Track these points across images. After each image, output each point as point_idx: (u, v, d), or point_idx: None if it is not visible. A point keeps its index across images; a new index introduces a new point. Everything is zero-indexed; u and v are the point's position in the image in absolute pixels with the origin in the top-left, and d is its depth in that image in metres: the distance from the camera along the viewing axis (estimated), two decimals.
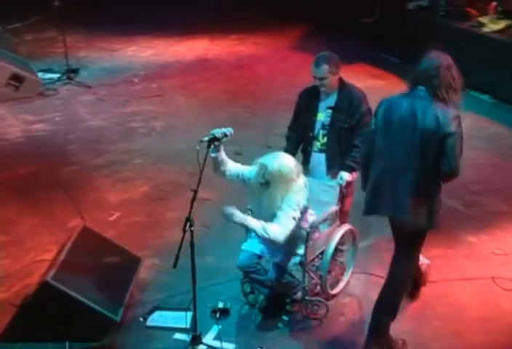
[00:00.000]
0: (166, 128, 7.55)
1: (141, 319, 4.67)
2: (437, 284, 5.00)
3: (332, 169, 4.84)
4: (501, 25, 8.30)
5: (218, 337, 4.51)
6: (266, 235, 4.19)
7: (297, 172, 4.32)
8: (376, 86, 7.79)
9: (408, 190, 4.05)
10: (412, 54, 8.69)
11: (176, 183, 6.43)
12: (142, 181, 6.48)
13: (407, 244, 4.24)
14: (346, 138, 4.78)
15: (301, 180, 4.35)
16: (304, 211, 4.38)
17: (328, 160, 4.86)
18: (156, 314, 4.72)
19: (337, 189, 4.74)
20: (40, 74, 8.56)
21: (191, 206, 4.06)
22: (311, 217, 4.53)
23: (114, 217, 5.91)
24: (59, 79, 8.60)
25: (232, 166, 4.48)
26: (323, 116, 4.82)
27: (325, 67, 4.67)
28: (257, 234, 4.25)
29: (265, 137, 6.91)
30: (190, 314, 4.61)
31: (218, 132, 4.24)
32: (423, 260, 4.80)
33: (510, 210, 5.94)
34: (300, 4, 10.59)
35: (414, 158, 4.03)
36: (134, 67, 9.17)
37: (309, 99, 4.88)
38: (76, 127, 7.54)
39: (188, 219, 4.08)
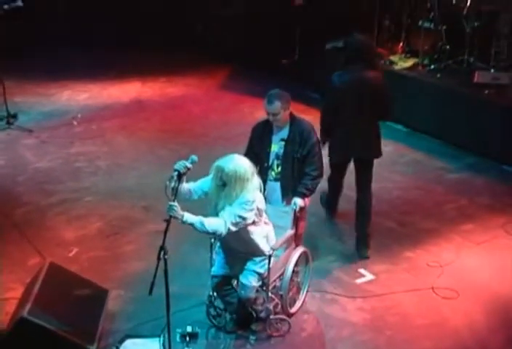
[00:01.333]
0: (112, 166, 7.50)
1: (114, 348, 4.62)
2: (385, 297, 5.21)
3: (286, 196, 4.99)
4: (409, 62, 8.73)
5: None
6: (204, 229, 4.17)
7: (252, 172, 4.33)
8: None
9: (371, 136, 5.63)
10: None
11: (128, 218, 6.41)
12: (95, 217, 6.41)
13: (369, 172, 5.78)
14: (298, 167, 4.95)
15: (256, 180, 4.38)
16: (259, 214, 4.39)
17: (282, 188, 5.00)
18: (128, 342, 4.69)
19: (291, 214, 4.87)
20: None
21: (165, 236, 4.03)
22: (267, 226, 4.57)
23: (73, 253, 5.82)
24: None
25: (188, 187, 4.46)
26: (277, 148, 4.98)
27: (277, 103, 4.84)
28: (195, 228, 4.20)
29: (209, 170, 7.01)
30: (160, 340, 4.64)
31: (181, 167, 4.28)
32: None
33: (437, 227, 6.22)
34: (225, 47, 10.80)
35: (371, 112, 5.52)
36: (72, 111, 9.04)
37: (263, 132, 5.03)
38: (24, 169, 7.38)
39: (161, 248, 4.04)
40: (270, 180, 5.02)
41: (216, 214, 4.33)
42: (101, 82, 10.20)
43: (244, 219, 4.26)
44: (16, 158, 7.71)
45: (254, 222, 4.39)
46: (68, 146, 8.00)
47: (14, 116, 8.61)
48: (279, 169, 4.99)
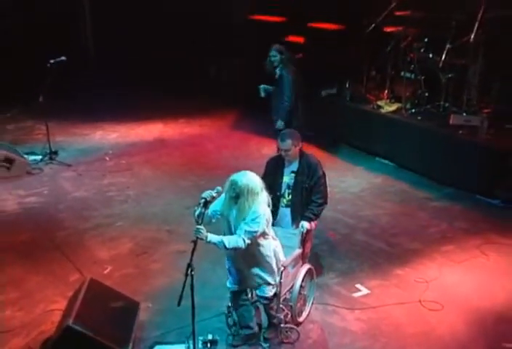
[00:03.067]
0: (139, 195, 7.52)
1: None
2: (379, 309, 5.20)
3: (296, 220, 5.03)
4: (394, 107, 8.78)
5: None
6: (225, 246, 4.20)
7: (261, 187, 4.29)
8: None
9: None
10: (327, 130, 9.19)
11: (155, 240, 6.41)
12: (126, 239, 6.41)
13: None
14: (306, 195, 5.00)
15: (264, 194, 4.33)
16: (268, 225, 4.34)
17: (292, 213, 5.05)
18: (157, 348, 4.68)
19: (299, 235, 4.90)
20: (26, 156, 8.44)
21: (192, 255, 4.04)
22: (275, 241, 4.53)
23: (108, 270, 5.82)
24: (42, 160, 8.48)
25: (209, 211, 4.41)
26: (288, 179, 5.04)
27: (289, 141, 4.91)
28: (218, 246, 4.23)
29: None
30: (185, 346, 4.63)
31: (207, 196, 4.28)
32: None
33: (422, 247, 6.21)
34: (232, 94, 10.91)
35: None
36: (104, 148, 9.11)
37: (275, 165, 5.08)
38: (63, 198, 7.41)
39: (189, 265, 4.04)
40: (282, 207, 5.06)
41: (228, 225, 4.35)
42: (128, 123, 10.27)
43: (257, 232, 4.25)
44: (57, 188, 7.73)
45: (264, 234, 4.34)
46: (101, 178, 8.03)
47: (56, 153, 8.67)
48: (290, 196, 5.04)
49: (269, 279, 4.50)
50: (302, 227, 4.89)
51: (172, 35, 11.74)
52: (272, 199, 4.77)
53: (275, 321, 4.68)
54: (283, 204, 5.06)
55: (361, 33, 8.79)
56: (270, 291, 4.52)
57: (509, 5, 7.60)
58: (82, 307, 4.47)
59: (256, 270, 4.46)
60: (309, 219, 4.94)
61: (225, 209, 4.34)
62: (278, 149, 5.00)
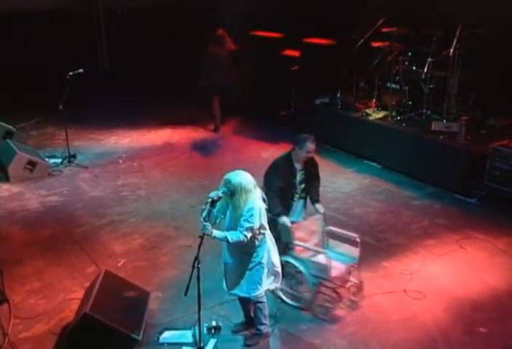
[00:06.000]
0: (149, 194, 7.52)
1: (155, 338, 4.64)
2: (368, 298, 5.20)
3: (305, 206, 5.39)
4: (381, 114, 8.79)
5: (216, 347, 4.54)
6: (228, 241, 4.21)
7: (254, 185, 4.24)
8: None
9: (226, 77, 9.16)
10: (320, 135, 9.21)
11: (163, 235, 6.41)
12: (137, 235, 6.41)
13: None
14: (311, 183, 5.29)
15: (258, 191, 4.29)
16: (264, 219, 4.31)
17: (305, 201, 5.34)
18: (166, 333, 4.70)
19: (322, 218, 5.21)
20: (47, 159, 8.45)
21: (199, 249, 4.04)
22: (270, 241, 4.49)
23: (121, 263, 5.82)
24: (61, 163, 8.49)
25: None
26: (298, 176, 5.21)
27: (315, 143, 5.11)
28: (222, 240, 4.26)
29: None
30: (191, 331, 4.63)
31: (214, 195, 4.23)
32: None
33: (406, 242, 6.20)
34: (235, 102, 10.90)
35: (227, 66, 9.03)
36: (118, 152, 9.10)
37: (289, 167, 5.14)
38: (81, 197, 7.42)
39: (196, 258, 4.06)
40: (294, 201, 5.21)
41: (225, 219, 4.34)
42: (140, 129, 10.25)
43: (256, 225, 4.23)
44: (75, 188, 7.72)
45: (261, 227, 4.29)
46: (115, 179, 8.02)
47: (74, 156, 8.66)
48: (302, 189, 5.24)
49: (254, 278, 4.42)
50: (321, 208, 5.21)
51: (176, 50, 11.74)
52: (287, 198, 5.05)
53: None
54: (296, 198, 5.22)
55: (351, 47, 8.80)
56: (257, 291, 4.48)
57: (482, 24, 7.67)
58: (98, 297, 4.48)
59: (244, 280, 4.44)
60: (319, 201, 5.26)
61: (222, 205, 4.33)
62: (307, 152, 5.06)
